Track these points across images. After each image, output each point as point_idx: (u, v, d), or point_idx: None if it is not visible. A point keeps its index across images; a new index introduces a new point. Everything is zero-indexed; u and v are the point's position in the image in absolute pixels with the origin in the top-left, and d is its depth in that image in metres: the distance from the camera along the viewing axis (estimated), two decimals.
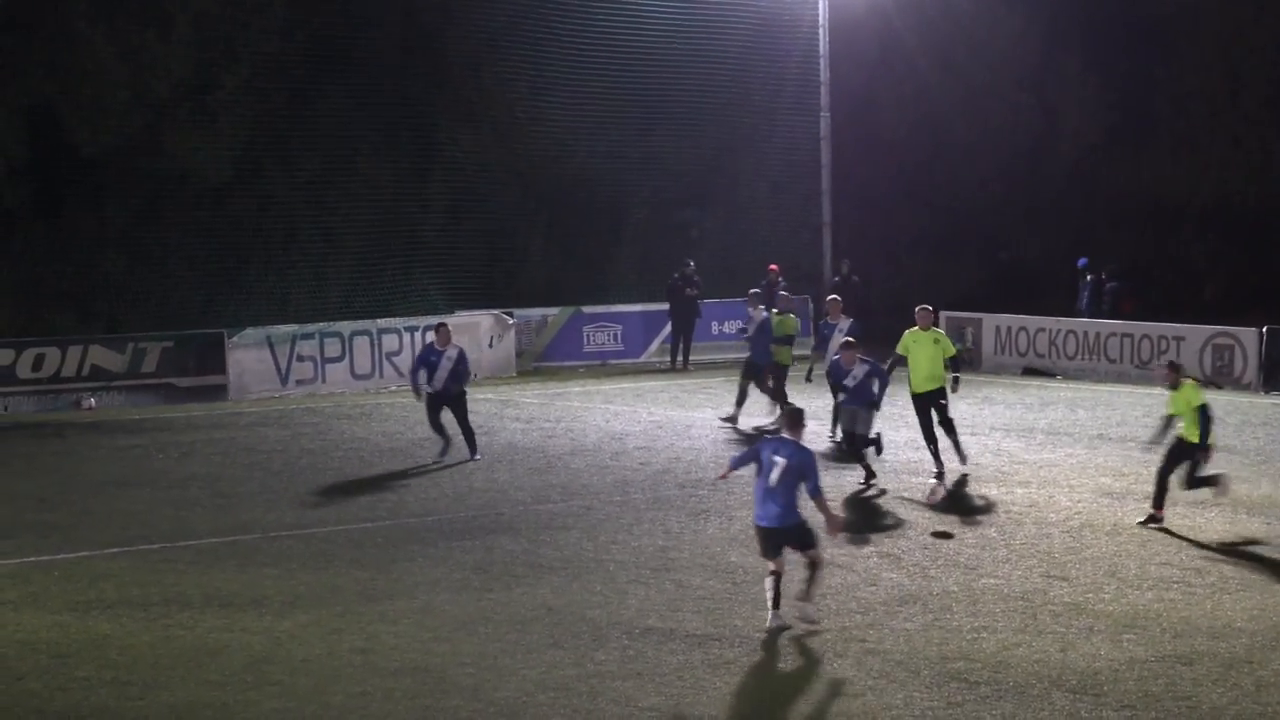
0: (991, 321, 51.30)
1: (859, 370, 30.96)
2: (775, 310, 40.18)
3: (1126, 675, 19.03)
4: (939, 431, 31.91)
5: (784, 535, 21.20)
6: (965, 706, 18.01)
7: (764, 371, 39.04)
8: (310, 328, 47.15)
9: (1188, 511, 28.26)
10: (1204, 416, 27.23)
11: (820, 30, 56.83)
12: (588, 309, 53.09)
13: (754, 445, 22.15)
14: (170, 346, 45.39)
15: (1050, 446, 35.46)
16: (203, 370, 45.59)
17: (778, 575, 21.31)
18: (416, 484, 32.04)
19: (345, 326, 47.64)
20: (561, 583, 23.48)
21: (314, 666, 19.71)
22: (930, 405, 31.86)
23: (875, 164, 62.02)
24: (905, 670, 19.30)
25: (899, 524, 27.52)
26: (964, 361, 45.29)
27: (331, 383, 46.78)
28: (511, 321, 50.92)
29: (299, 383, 46.24)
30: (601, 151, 57.15)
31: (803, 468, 21.01)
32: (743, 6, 57.92)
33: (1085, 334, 49.13)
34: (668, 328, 52.49)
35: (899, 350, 32.30)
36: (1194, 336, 46.53)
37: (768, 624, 21.23)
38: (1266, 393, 44.20)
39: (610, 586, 23.55)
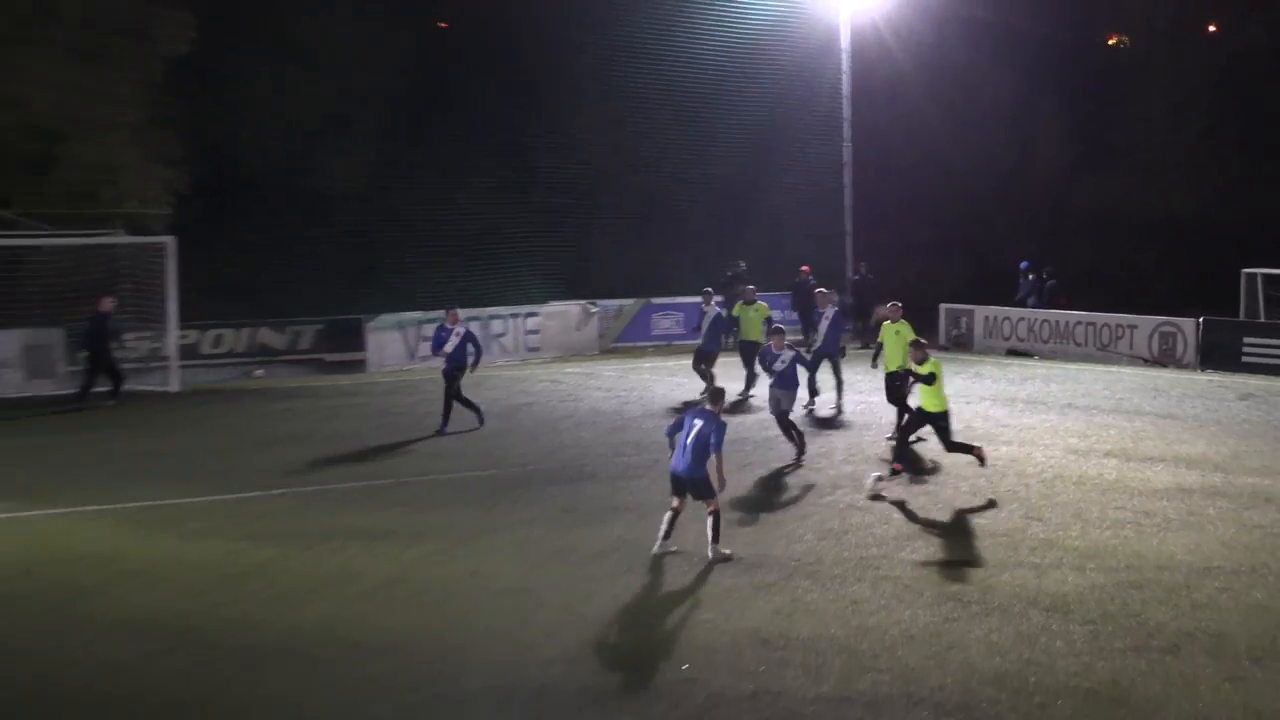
0: (981, 312, 51.09)
1: (786, 355, 29.39)
2: (742, 301, 39.51)
3: (1088, 597, 18.94)
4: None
5: (689, 484, 21.08)
6: (959, 622, 17.95)
7: (710, 357, 38.03)
8: (432, 314, 47.11)
9: (1140, 466, 28.12)
10: (934, 378, 26.43)
11: (843, 76, 56.62)
12: (655, 300, 53.04)
13: (681, 415, 21.85)
14: (321, 329, 45.63)
15: (1028, 413, 35.27)
16: (347, 348, 45.79)
17: (676, 512, 21.36)
18: (516, 440, 32.04)
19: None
20: (634, 520, 23.42)
21: (435, 586, 19.77)
22: (891, 383, 31.61)
23: (888, 185, 61.87)
24: (911, 592, 19.24)
25: (903, 477, 27.39)
26: (957, 344, 45.25)
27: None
28: (594, 310, 50.96)
29: (423, 359, 46.32)
30: (666, 174, 57.85)
31: (712, 433, 20.86)
32: (781, 57, 57.91)
33: (1057, 322, 48.87)
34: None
35: (879, 339, 32.04)
36: (1144, 325, 46.25)
37: (654, 549, 21.30)
38: (1202, 370, 43.91)
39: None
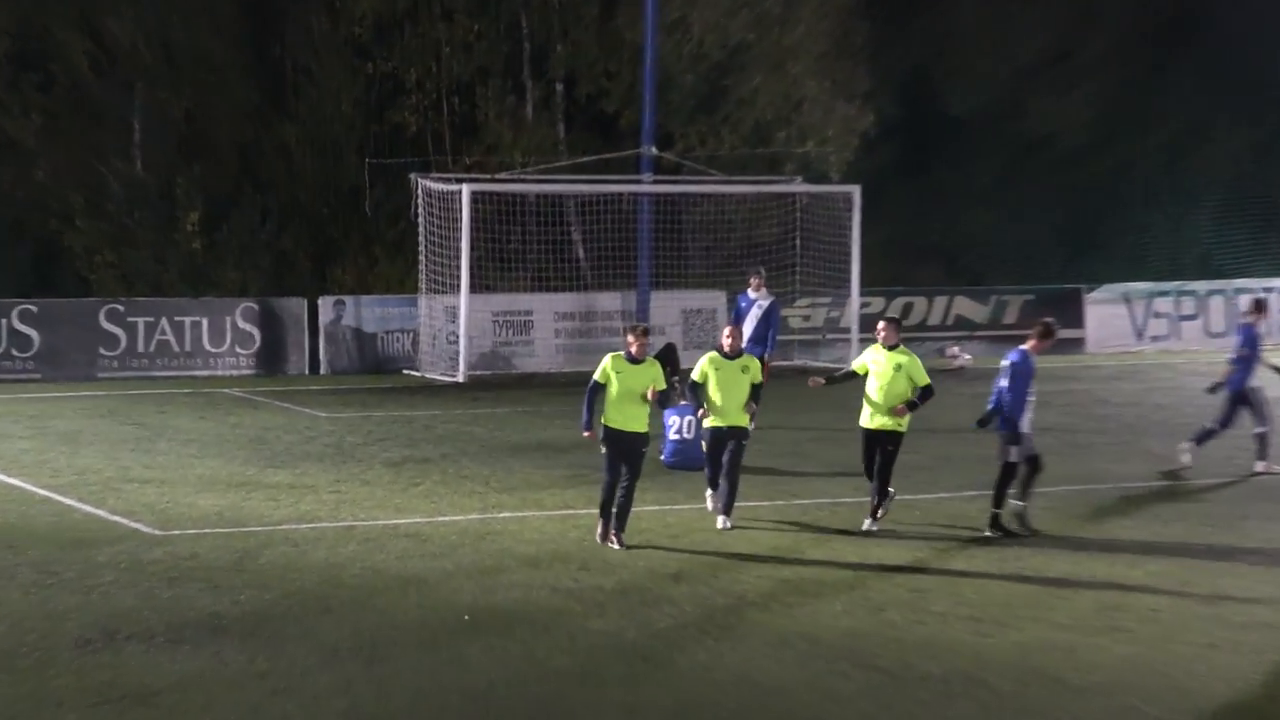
0: None
1: None
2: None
3: None
4: None
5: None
6: None
7: None
8: (1166, 285, 46.63)
9: None
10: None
11: None
12: None
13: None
14: (1031, 300, 45.46)
15: None
16: (1060, 324, 45.40)
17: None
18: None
19: (1201, 285, 46.81)
20: None
21: (1162, 615, 19.28)
22: None
23: None
24: None
25: None
26: None
27: (1186, 340, 46.00)
28: None
29: (1153, 339, 45.67)
30: None
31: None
32: None
33: None
34: None
35: None
36: None
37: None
38: None
39: None
